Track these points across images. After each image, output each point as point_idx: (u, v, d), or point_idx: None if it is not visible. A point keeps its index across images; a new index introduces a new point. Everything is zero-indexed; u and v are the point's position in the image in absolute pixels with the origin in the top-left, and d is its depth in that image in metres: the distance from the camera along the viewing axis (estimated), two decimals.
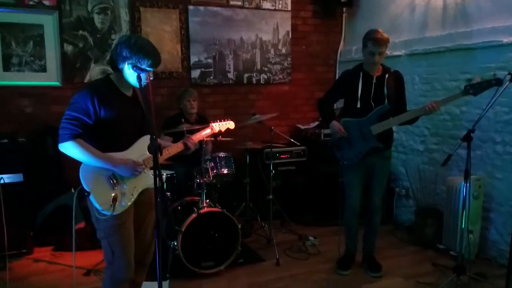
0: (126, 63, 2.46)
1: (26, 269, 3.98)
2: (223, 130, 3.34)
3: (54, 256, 4.25)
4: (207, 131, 3.21)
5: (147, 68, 2.45)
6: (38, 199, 4.39)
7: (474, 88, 3.29)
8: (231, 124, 3.40)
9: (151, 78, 2.48)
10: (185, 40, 5.25)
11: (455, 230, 4.05)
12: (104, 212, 2.45)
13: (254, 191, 4.94)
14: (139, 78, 2.40)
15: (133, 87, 2.64)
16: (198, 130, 3.29)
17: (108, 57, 4.67)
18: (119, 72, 2.52)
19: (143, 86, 2.40)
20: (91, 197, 2.44)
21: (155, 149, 2.23)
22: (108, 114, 2.46)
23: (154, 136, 2.25)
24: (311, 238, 4.55)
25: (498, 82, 3.20)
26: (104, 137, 2.49)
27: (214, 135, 3.38)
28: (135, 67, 2.42)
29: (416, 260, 4.12)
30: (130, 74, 2.49)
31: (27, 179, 4.19)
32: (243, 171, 4.72)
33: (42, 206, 4.44)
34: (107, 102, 2.46)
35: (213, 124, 3.28)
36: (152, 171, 2.64)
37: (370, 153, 3.62)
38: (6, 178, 4.04)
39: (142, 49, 2.44)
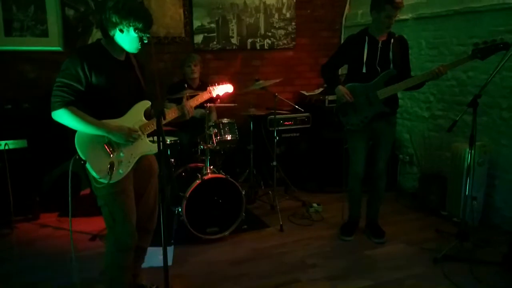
0: (117, 29, 2.37)
1: (33, 234, 4.03)
2: (221, 94, 3.23)
3: (59, 221, 4.30)
4: (205, 95, 3.11)
5: (140, 33, 2.34)
6: (42, 165, 4.40)
7: (481, 52, 3.24)
8: (229, 88, 3.28)
9: (145, 41, 2.37)
10: (188, 4, 5.15)
11: (459, 197, 4.04)
12: (101, 180, 2.43)
13: (258, 157, 4.93)
14: (140, 41, 2.33)
15: (127, 52, 2.55)
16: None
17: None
18: (110, 38, 2.43)
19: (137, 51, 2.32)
20: (88, 165, 2.41)
21: (159, 113, 2.19)
22: (100, 80, 2.39)
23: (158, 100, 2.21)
24: (314, 204, 4.57)
25: (506, 46, 3.15)
26: (98, 104, 2.44)
27: (213, 99, 3.29)
28: (136, 30, 2.33)
29: (420, 227, 4.14)
30: (122, 39, 2.41)
31: (32, 145, 4.19)
32: (247, 138, 4.70)
33: (46, 172, 4.45)
34: (98, 67, 2.39)
35: (211, 88, 3.18)
36: (150, 137, 2.63)
37: (376, 118, 3.58)
38: (11, 144, 4.05)
39: (131, 12, 2.33)
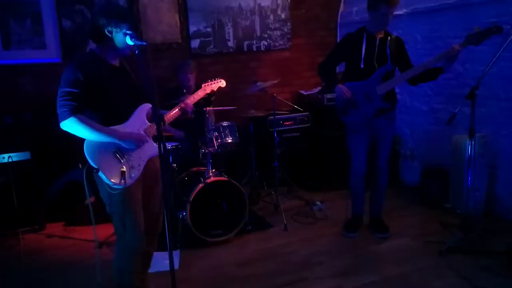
0: (106, 30, 2.40)
1: (39, 244, 4.06)
2: (215, 89, 3.39)
3: (66, 231, 4.32)
4: (200, 93, 3.24)
5: (128, 32, 2.37)
6: (47, 176, 4.44)
7: (475, 38, 3.26)
8: (222, 83, 3.44)
9: (135, 42, 2.32)
10: (183, 9, 5.17)
11: (461, 189, 4.05)
12: (116, 187, 2.45)
13: (260, 159, 4.95)
14: (134, 42, 2.31)
15: (120, 58, 2.60)
16: None
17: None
18: (102, 43, 2.47)
19: (134, 50, 2.30)
20: (101, 174, 2.41)
21: (158, 118, 2.21)
22: (98, 86, 2.41)
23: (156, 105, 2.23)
24: (318, 203, 4.58)
25: (498, 29, 3.18)
26: (100, 111, 2.46)
27: (208, 95, 3.40)
28: (126, 34, 2.37)
29: (423, 220, 4.16)
30: (113, 40, 2.44)
31: (35, 157, 4.22)
32: (248, 140, 4.72)
33: (51, 182, 4.48)
34: (95, 73, 2.42)
35: (204, 85, 3.33)
36: (154, 139, 2.66)
37: (376, 115, 3.60)
38: (14, 156, 4.08)
39: (118, 13, 2.43)
